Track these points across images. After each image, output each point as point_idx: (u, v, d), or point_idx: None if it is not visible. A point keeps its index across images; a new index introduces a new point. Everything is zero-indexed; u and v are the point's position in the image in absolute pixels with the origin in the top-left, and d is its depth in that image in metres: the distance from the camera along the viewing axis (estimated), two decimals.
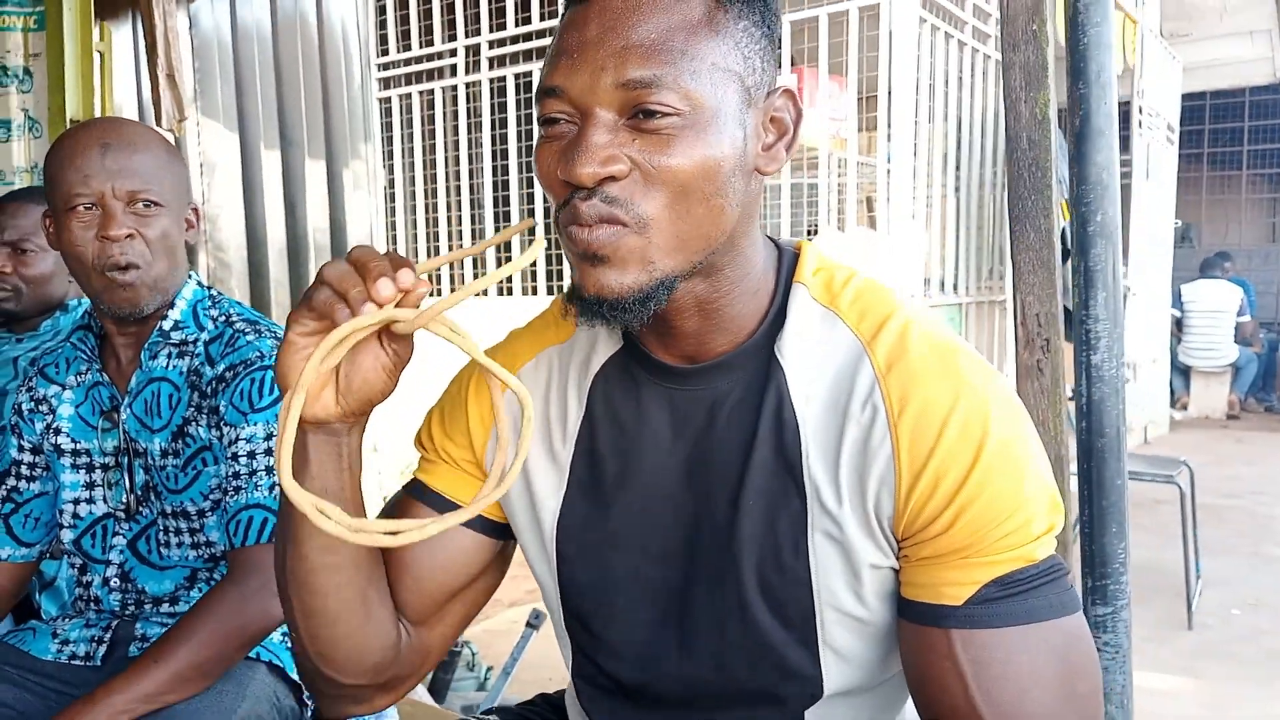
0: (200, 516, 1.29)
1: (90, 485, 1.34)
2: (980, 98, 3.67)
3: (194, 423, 1.28)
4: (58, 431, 1.36)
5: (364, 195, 4.24)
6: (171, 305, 1.31)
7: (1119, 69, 5.13)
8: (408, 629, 0.86)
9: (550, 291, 3.91)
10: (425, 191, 4.13)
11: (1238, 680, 2.60)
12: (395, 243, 4.23)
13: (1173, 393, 7.37)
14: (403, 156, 4.15)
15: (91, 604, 1.35)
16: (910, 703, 0.81)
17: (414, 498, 0.87)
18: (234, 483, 1.22)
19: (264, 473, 1.22)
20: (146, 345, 1.30)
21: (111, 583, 1.32)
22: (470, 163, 3.93)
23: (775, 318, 0.77)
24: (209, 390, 1.27)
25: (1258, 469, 5.42)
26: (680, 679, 0.80)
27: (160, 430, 1.29)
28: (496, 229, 3.90)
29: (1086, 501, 1.09)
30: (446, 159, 4.00)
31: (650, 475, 0.80)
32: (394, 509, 0.88)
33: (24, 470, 1.39)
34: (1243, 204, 10.09)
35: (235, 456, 1.23)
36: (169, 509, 1.30)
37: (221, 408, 1.24)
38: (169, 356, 1.31)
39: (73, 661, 1.30)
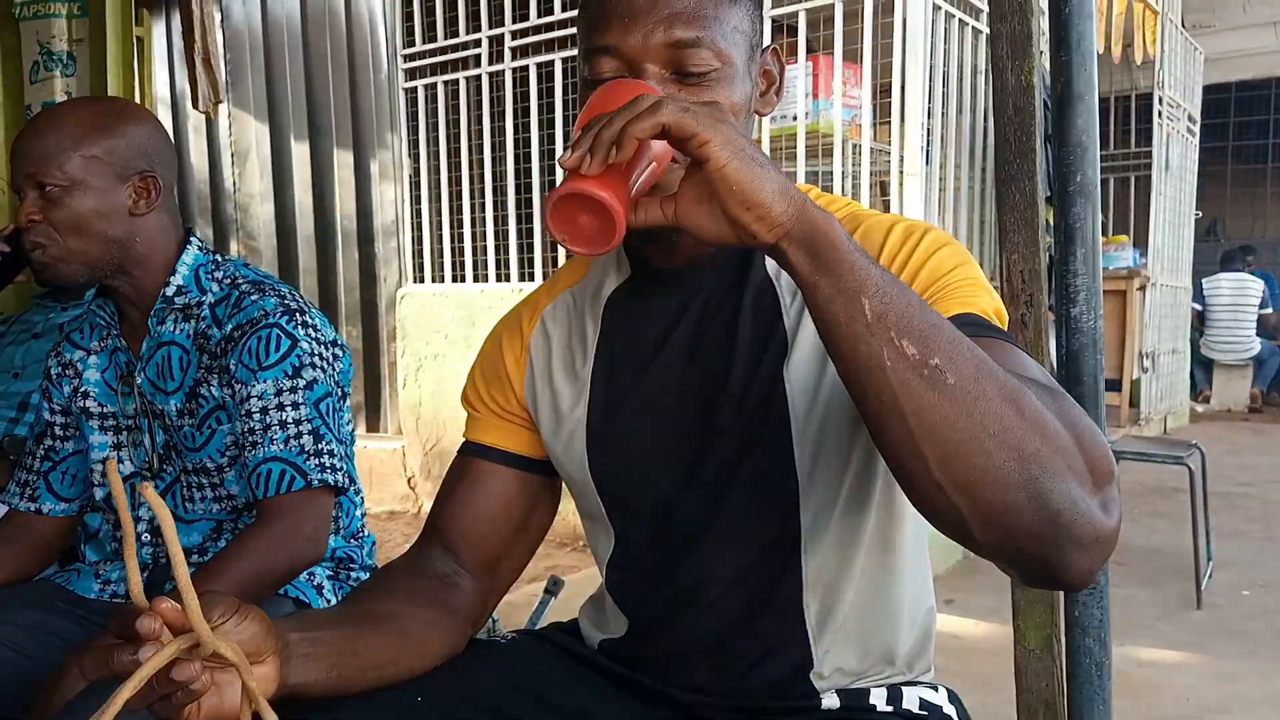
0: (219, 471, 1.37)
1: (117, 445, 1.43)
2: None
3: (205, 383, 1.34)
4: (86, 395, 1.43)
5: (390, 184, 4.35)
6: (173, 272, 1.36)
7: (1139, 60, 5.14)
8: (472, 578, 1.00)
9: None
10: (449, 180, 4.22)
11: (1245, 656, 2.64)
12: (420, 230, 4.33)
13: (1195, 385, 7.35)
14: (427, 145, 4.24)
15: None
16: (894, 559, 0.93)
17: (471, 456, 1.04)
18: (249, 438, 1.30)
19: (277, 428, 1.29)
20: (153, 312, 1.36)
21: (143, 537, 1.40)
22: (493, 151, 4.02)
23: None
24: (218, 350, 1.33)
25: (1272, 459, 5.43)
26: (695, 530, 0.92)
27: (174, 392, 1.36)
28: (519, 215, 3.99)
29: None
30: (470, 148, 4.09)
31: (660, 365, 0.94)
32: (456, 472, 1.04)
33: (58, 431, 1.48)
34: (1268, 197, 10.01)
35: (249, 414, 1.30)
36: (190, 466, 1.38)
37: (231, 366, 1.31)
38: (175, 321, 1.37)
39: (114, 600, 1.39)
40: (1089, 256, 1.17)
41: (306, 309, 1.37)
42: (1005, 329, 0.83)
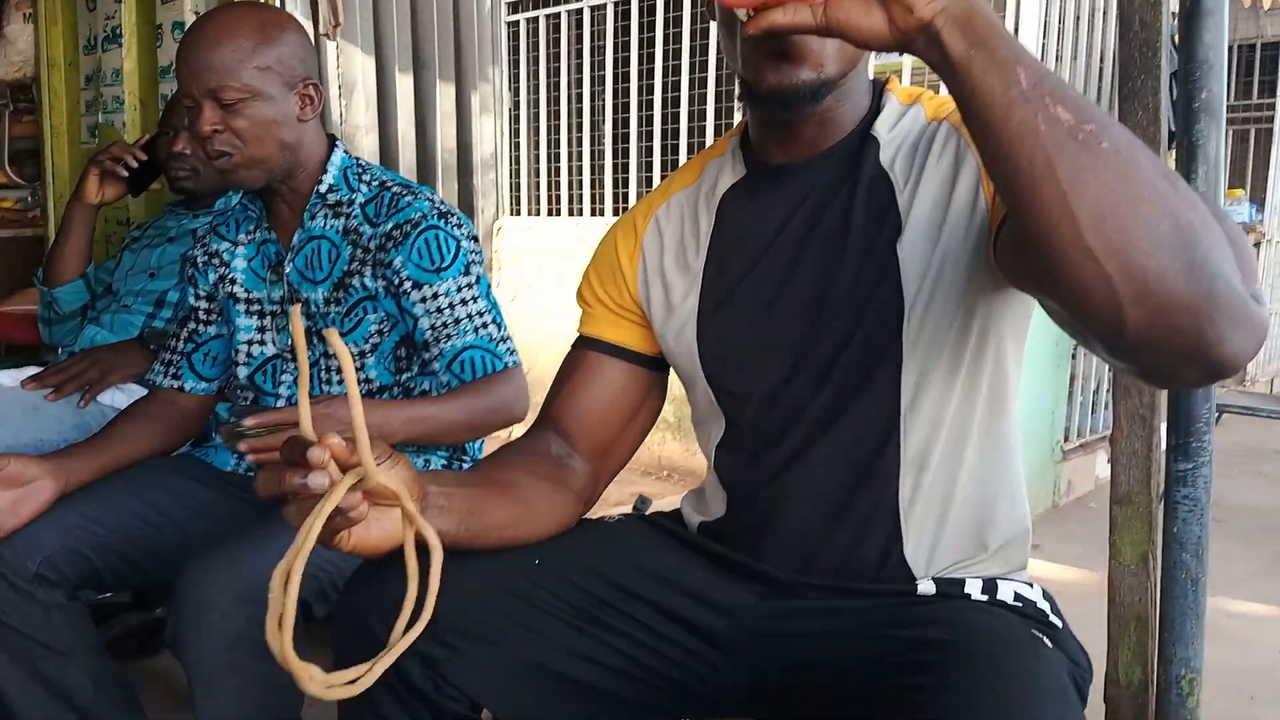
0: (361, 358, 1.45)
1: (261, 329, 1.52)
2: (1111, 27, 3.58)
3: (358, 275, 1.43)
4: (233, 282, 1.53)
5: (490, 118, 4.41)
6: (324, 172, 1.45)
7: (1267, 4, 4.87)
8: (583, 461, 1.07)
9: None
10: (548, 114, 4.27)
11: None
12: (518, 164, 4.40)
13: None
14: (528, 80, 4.29)
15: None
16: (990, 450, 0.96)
17: (584, 349, 1.10)
18: (443, 331, 1.40)
19: (465, 320, 1.40)
20: (306, 208, 1.46)
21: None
22: (592, 85, 4.05)
23: (869, 115, 0.97)
24: (375, 246, 1.42)
25: None
26: (803, 410, 0.96)
27: (322, 282, 1.45)
28: (615, 150, 4.02)
29: None
30: (569, 82, 4.12)
31: (773, 255, 0.98)
32: (570, 364, 1.10)
33: (201, 315, 1.58)
34: None
35: (438, 310, 1.40)
36: (330, 351, 1.46)
37: (398, 263, 1.39)
38: (325, 217, 1.46)
39: (249, 473, 1.49)
40: (1211, 174, 1.16)
41: (452, 210, 1.45)
42: None
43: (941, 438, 0.93)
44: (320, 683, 0.66)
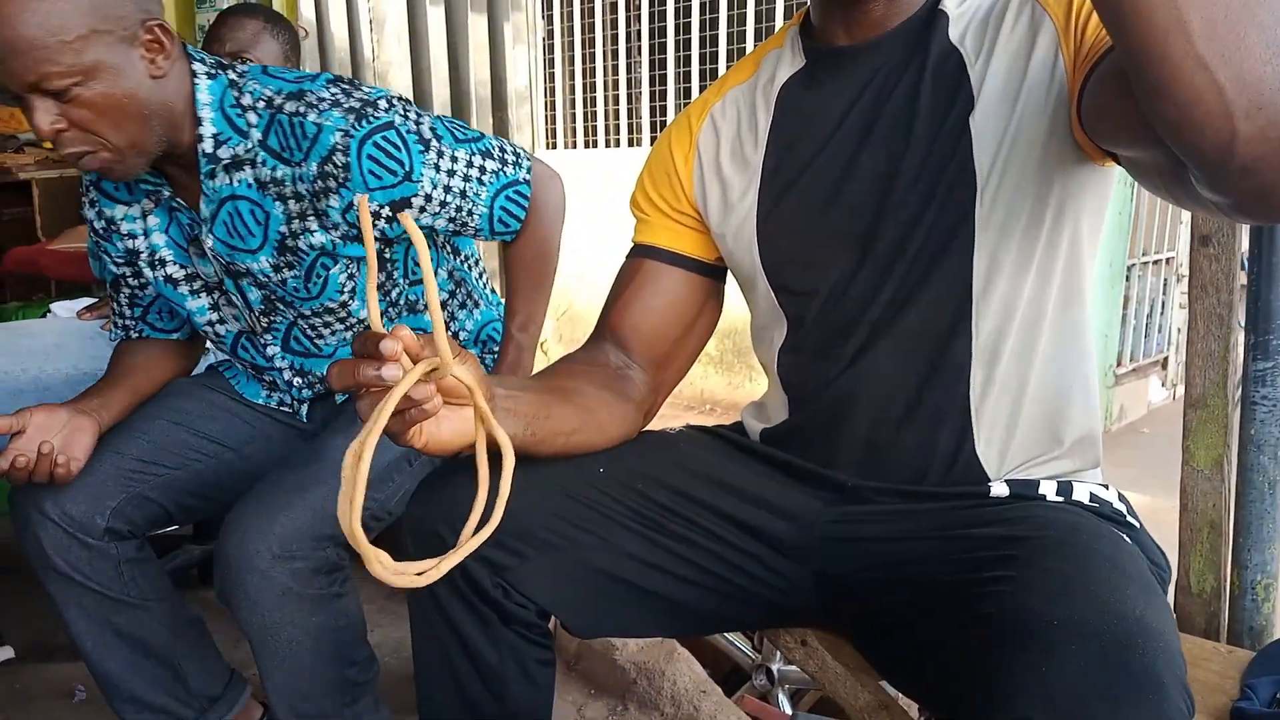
0: (344, 307, 1.32)
1: (216, 306, 1.36)
2: None
3: (303, 234, 1.22)
4: (162, 263, 1.32)
5: (524, 49, 4.34)
6: (199, 122, 1.18)
7: None
8: (643, 371, 1.05)
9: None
10: (583, 42, 4.19)
11: None
12: (553, 95, 4.34)
13: None
14: (561, 7, 4.21)
15: (287, 387, 1.44)
16: (1061, 350, 0.92)
17: (639, 257, 1.07)
18: (461, 215, 1.29)
19: (468, 185, 1.27)
20: (201, 173, 1.21)
21: (292, 380, 1.42)
22: (627, 10, 3.96)
23: None
24: (310, 194, 1.20)
25: None
26: (867, 306, 0.94)
27: (258, 250, 1.24)
28: (653, 78, 3.94)
29: (1255, 254, 1.11)
30: (604, 7, 4.03)
31: (835, 145, 0.94)
32: (626, 274, 1.07)
33: (130, 280, 1.39)
34: None
35: (443, 204, 1.25)
36: (307, 311, 1.31)
37: (358, 200, 1.29)
38: (228, 172, 1.21)
39: (281, 408, 1.44)
40: None
41: (355, 91, 1.21)
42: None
43: (1014, 327, 0.90)
44: (389, 569, 0.66)
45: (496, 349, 1.48)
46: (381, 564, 0.65)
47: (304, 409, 1.42)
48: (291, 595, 1.18)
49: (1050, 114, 0.84)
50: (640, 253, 1.07)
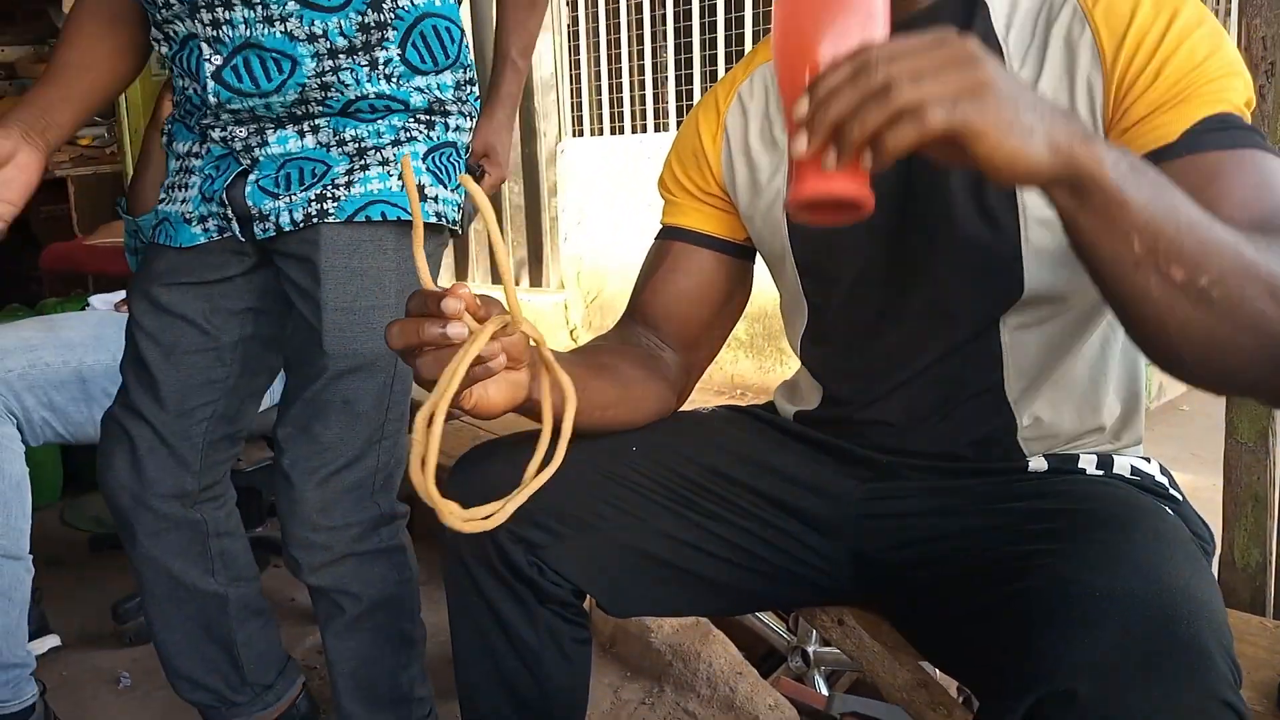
0: (352, 54, 1.12)
1: None
2: None
3: None
4: None
5: (548, 34, 4.34)
6: None
7: None
8: (674, 353, 1.04)
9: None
10: (608, 28, 4.18)
11: None
12: (578, 82, 4.33)
13: None
14: None
15: (210, 195, 1.19)
16: (1099, 331, 0.90)
17: (669, 240, 1.06)
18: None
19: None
20: None
21: (211, 175, 1.18)
22: None
23: None
24: None
25: None
26: (893, 299, 0.92)
27: None
28: (678, 62, 3.92)
29: None
30: None
31: None
32: (655, 256, 1.07)
33: None
34: None
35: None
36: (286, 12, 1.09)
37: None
38: None
39: (223, 237, 1.21)
40: None
41: None
42: (1252, 110, 0.77)
43: (1053, 312, 0.88)
44: (459, 517, 0.67)
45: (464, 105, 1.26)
46: (452, 513, 0.67)
47: (235, 224, 1.18)
48: (352, 559, 1.21)
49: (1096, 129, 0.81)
50: (669, 234, 1.07)
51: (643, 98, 4.08)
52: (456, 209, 1.23)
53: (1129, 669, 0.59)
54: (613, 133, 4.24)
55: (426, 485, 0.63)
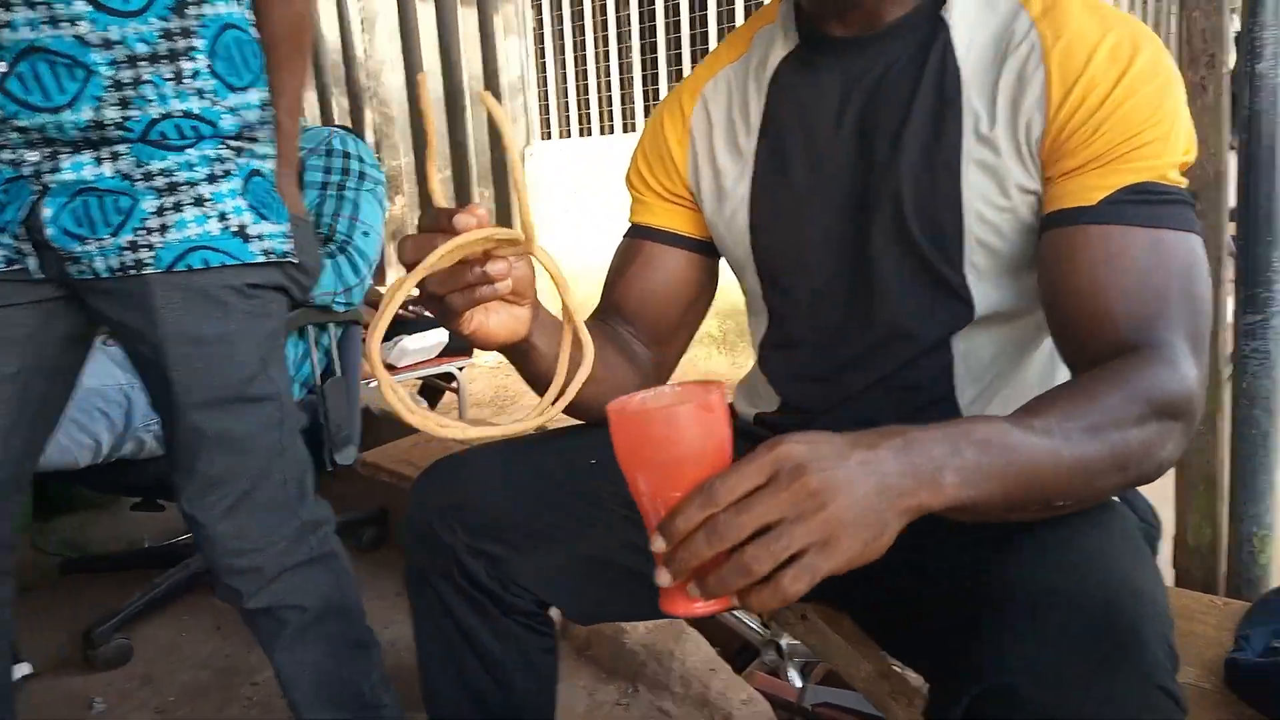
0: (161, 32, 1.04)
1: None
2: None
3: None
4: None
5: (515, 39, 4.34)
6: None
7: None
8: (646, 347, 1.04)
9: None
10: (573, 30, 4.18)
11: None
12: (545, 85, 4.33)
13: None
14: None
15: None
16: (1047, 341, 0.91)
17: (638, 238, 1.05)
18: None
19: None
20: None
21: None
22: None
23: None
24: None
25: None
26: (853, 313, 0.92)
27: None
28: (644, 62, 3.93)
29: (1243, 208, 1.11)
30: None
31: (827, 142, 0.91)
32: (624, 254, 1.06)
33: None
34: None
35: None
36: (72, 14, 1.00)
37: None
38: None
39: (11, 267, 1.10)
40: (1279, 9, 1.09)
41: None
42: (1186, 170, 0.79)
43: (1004, 338, 0.89)
44: (406, 406, 0.66)
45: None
46: (400, 400, 0.65)
47: (31, 260, 1.09)
48: (286, 573, 1.19)
49: (1030, 166, 0.82)
50: (637, 233, 1.06)
51: (609, 99, 4.09)
52: (285, 239, 1.16)
53: (1068, 664, 0.60)
54: (581, 134, 4.25)
55: (370, 352, 0.63)
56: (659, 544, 0.60)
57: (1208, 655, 0.96)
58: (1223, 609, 1.05)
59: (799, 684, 1.53)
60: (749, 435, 1.05)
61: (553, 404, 0.75)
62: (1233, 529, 1.16)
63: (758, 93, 0.98)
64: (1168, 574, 1.22)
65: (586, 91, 4.16)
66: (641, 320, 1.04)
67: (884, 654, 1.00)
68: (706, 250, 1.06)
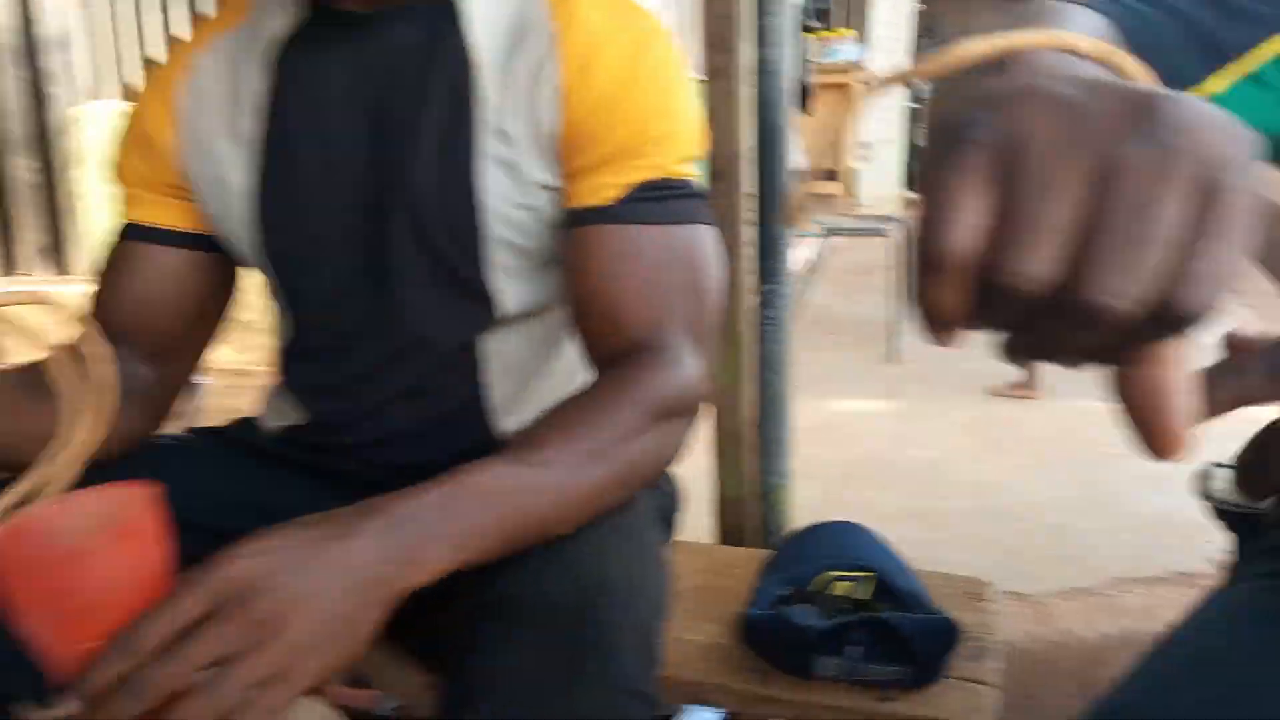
0: None
1: None
2: None
3: None
4: None
5: None
6: None
7: None
8: (152, 368, 0.90)
9: None
10: None
11: (929, 398, 3.02)
12: (94, 38, 3.79)
13: (912, 176, 7.94)
14: None
15: None
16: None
17: (131, 240, 0.90)
18: None
19: None
20: None
21: None
22: None
23: None
24: None
25: None
26: (370, 316, 0.86)
27: None
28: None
29: (759, 190, 1.20)
30: None
31: (337, 132, 0.83)
32: (115, 259, 0.90)
33: None
34: None
35: None
36: None
37: None
38: None
39: None
40: None
41: None
42: (699, 157, 0.82)
43: (531, 322, 0.87)
44: None
45: None
46: None
47: None
48: None
49: (549, 161, 0.80)
50: (130, 233, 0.90)
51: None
52: None
53: (536, 674, 0.59)
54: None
55: None
56: (71, 706, 0.49)
57: (729, 611, 1.03)
58: (746, 561, 1.15)
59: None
60: (279, 457, 0.96)
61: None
62: (758, 483, 1.27)
63: (260, 70, 0.85)
64: (711, 529, 1.32)
65: (145, 44, 3.70)
66: (138, 335, 0.88)
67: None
68: (214, 247, 0.91)
